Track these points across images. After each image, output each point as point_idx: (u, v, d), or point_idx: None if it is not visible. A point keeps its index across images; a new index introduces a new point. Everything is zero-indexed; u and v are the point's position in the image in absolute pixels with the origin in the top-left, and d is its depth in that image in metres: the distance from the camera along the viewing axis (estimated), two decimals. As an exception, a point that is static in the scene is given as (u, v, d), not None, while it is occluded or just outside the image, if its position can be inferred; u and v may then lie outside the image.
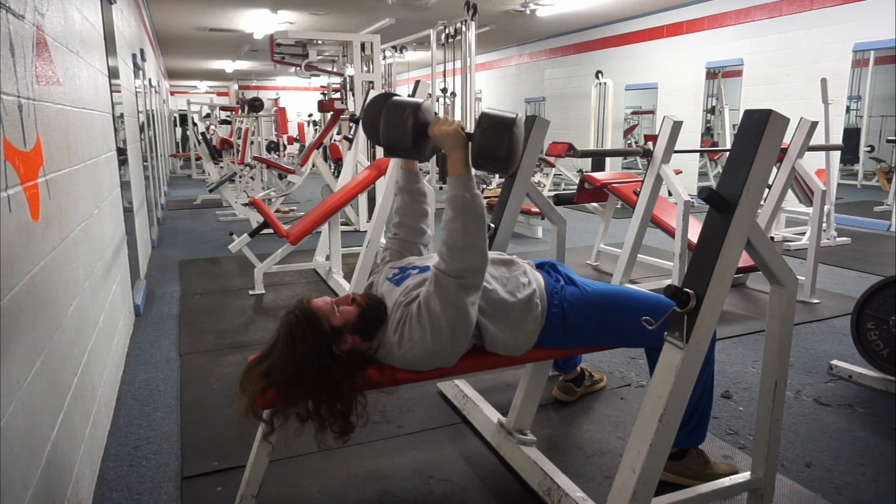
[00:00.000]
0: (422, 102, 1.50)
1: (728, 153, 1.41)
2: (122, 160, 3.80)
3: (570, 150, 3.89)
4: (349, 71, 7.00)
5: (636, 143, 11.23)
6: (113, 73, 3.61)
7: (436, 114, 1.59)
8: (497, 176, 8.24)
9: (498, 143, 1.45)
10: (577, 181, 6.19)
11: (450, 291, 1.50)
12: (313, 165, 7.23)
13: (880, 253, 5.31)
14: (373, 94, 1.82)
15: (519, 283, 1.71)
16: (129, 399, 2.59)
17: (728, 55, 8.19)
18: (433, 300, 1.51)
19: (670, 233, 3.87)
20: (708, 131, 10.17)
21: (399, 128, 1.46)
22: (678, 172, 3.52)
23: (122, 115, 3.96)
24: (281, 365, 1.50)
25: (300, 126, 16.59)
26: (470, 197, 1.48)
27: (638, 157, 4.73)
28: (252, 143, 10.35)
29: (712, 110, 9.83)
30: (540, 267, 1.89)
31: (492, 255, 1.81)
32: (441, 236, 1.51)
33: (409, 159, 1.54)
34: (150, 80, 7.99)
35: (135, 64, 5.52)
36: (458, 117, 7.96)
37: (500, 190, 2.78)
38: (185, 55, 14.22)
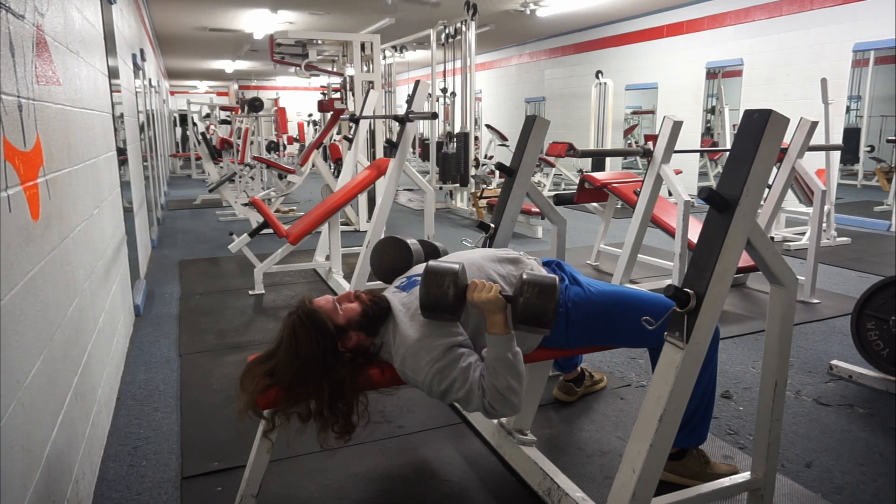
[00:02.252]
0: (458, 270, 1.53)
1: (728, 153, 1.41)
2: (122, 160, 3.80)
3: (570, 150, 3.89)
4: (349, 71, 7.00)
5: (636, 143, 11.23)
6: (113, 73, 3.61)
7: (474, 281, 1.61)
8: (497, 176, 8.25)
9: (543, 309, 1.48)
10: (577, 181, 6.19)
11: (472, 401, 1.51)
12: (313, 165, 7.23)
13: (880, 253, 5.31)
14: (379, 241, 2.06)
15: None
16: (129, 399, 2.59)
17: (728, 55, 8.19)
18: (459, 388, 1.50)
19: (670, 233, 3.87)
20: (708, 131, 10.17)
21: (440, 297, 1.50)
22: (678, 172, 3.52)
23: (121, 115, 3.96)
24: (285, 365, 1.51)
25: (300, 126, 16.59)
26: (512, 357, 1.49)
27: (638, 157, 4.73)
28: (252, 143, 10.35)
29: (712, 110, 9.82)
30: (545, 265, 1.89)
31: (499, 252, 1.83)
32: (486, 378, 1.49)
33: (447, 322, 1.57)
34: (150, 80, 7.98)
35: (135, 64, 5.52)
36: (458, 117, 7.96)
37: (500, 190, 2.78)
38: (185, 55, 14.22)
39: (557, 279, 1.52)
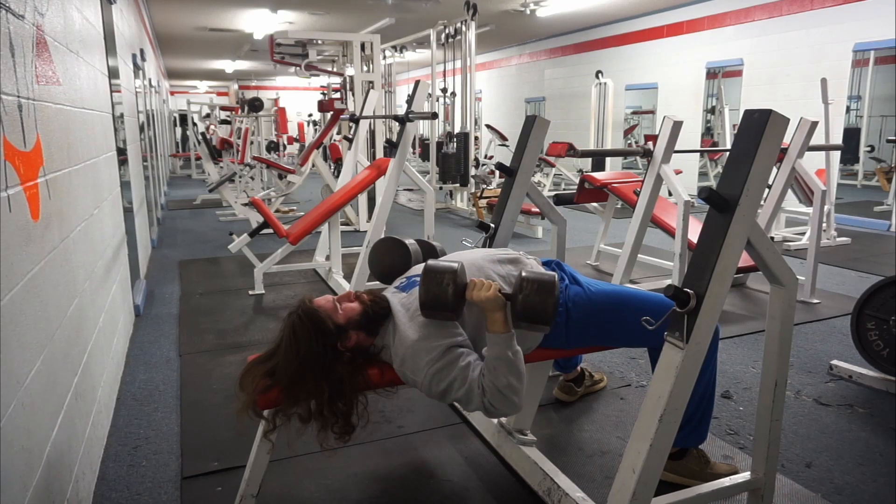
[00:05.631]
0: (457, 268, 1.53)
1: (728, 153, 1.41)
2: (122, 160, 3.80)
3: (570, 150, 3.89)
4: (349, 71, 7.00)
5: (636, 143, 11.23)
6: (113, 73, 3.61)
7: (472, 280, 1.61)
8: (497, 175, 8.25)
9: (542, 306, 1.48)
10: (577, 181, 6.19)
11: (472, 401, 1.51)
12: (313, 165, 7.23)
13: (880, 253, 5.31)
14: (377, 242, 2.05)
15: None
16: (129, 399, 2.59)
17: (728, 55, 8.19)
18: (459, 388, 1.50)
19: (670, 233, 3.87)
20: (708, 131, 10.17)
21: (440, 295, 1.50)
22: (678, 172, 3.52)
23: (121, 115, 3.96)
24: (285, 364, 1.51)
25: (300, 126, 16.58)
26: (513, 355, 1.49)
27: (638, 157, 4.72)
28: (252, 143, 10.35)
29: (712, 110, 9.82)
30: (545, 266, 1.89)
31: (498, 252, 1.83)
32: (486, 375, 1.49)
33: (447, 321, 1.57)
34: (149, 80, 7.98)
35: (135, 64, 5.52)
36: (458, 117, 7.96)
37: (500, 190, 2.78)
38: (185, 55, 14.22)
39: (556, 276, 1.52)
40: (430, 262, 1.58)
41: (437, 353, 1.51)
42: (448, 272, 1.52)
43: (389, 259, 1.96)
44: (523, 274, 1.53)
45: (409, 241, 1.99)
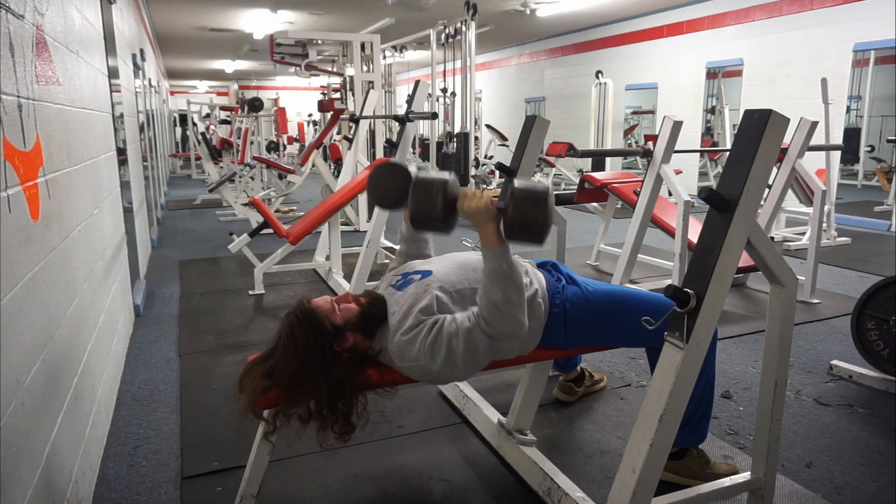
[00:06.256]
0: (449, 179, 1.50)
1: (728, 153, 1.41)
2: (122, 160, 3.80)
3: (570, 150, 3.88)
4: (349, 71, 7.00)
5: (636, 143, 11.23)
6: (113, 73, 3.61)
7: (463, 189, 1.59)
8: (497, 176, 8.25)
9: (533, 216, 1.45)
10: (577, 181, 6.19)
11: (479, 345, 1.50)
12: (313, 165, 7.23)
13: (880, 253, 5.31)
14: (379, 165, 1.87)
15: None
16: (129, 399, 2.59)
17: (728, 55, 8.19)
18: (457, 340, 1.50)
19: (670, 233, 3.87)
20: (708, 131, 10.17)
21: (430, 206, 1.47)
22: (678, 172, 3.52)
23: (121, 115, 3.96)
24: (283, 365, 1.51)
25: (300, 126, 16.58)
26: (508, 268, 1.48)
27: (638, 157, 4.73)
28: (252, 143, 10.35)
29: (712, 110, 9.83)
30: (541, 266, 1.89)
31: None
32: (481, 301, 1.49)
33: (437, 233, 1.55)
34: (149, 80, 7.98)
35: (135, 64, 5.52)
36: (457, 117, 7.96)
37: (500, 190, 2.78)
38: (185, 55, 14.22)
39: (549, 187, 1.48)
40: (420, 174, 1.53)
41: (425, 330, 1.52)
42: (438, 181, 1.48)
43: (388, 185, 1.77)
44: (515, 184, 1.49)
45: (412, 168, 1.92)
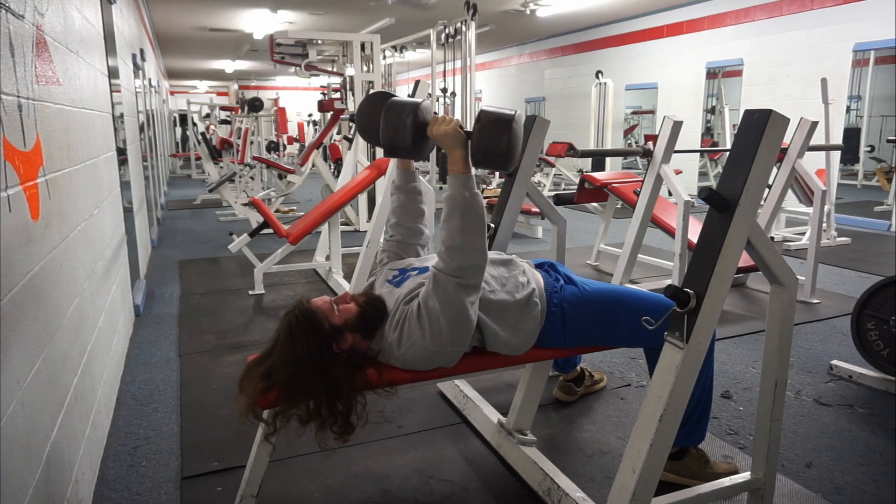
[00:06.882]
0: (420, 102, 1.50)
1: (728, 153, 1.41)
2: (122, 160, 3.80)
3: (570, 150, 3.88)
4: (349, 71, 6.99)
5: (636, 143, 11.24)
6: (113, 73, 3.61)
7: (435, 113, 1.60)
8: (497, 176, 8.25)
9: (497, 140, 1.45)
10: (577, 181, 6.19)
11: (449, 291, 1.50)
12: (313, 165, 7.23)
13: (880, 253, 5.31)
14: (370, 93, 1.83)
15: (518, 282, 1.71)
16: (129, 399, 2.59)
17: (728, 55, 8.19)
18: (432, 300, 1.51)
19: (670, 233, 3.87)
20: (708, 131, 10.18)
21: (399, 127, 1.46)
22: (678, 172, 3.52)
23: (121, 115, 3.96)
24: (282, 365, 1.50)
25: (300, 126, 16.58)
26: (469, 196, 1.48)
27: (638, 157, 4.73)
28: (252, 143, 10.35)
29: (712, 110, 9.83)
30: (539, 267, 1.89)
31: (491, 255, 1.81)
32: (440, 236, 1.51)
33: (409, 159, 1.55)
34: (149, 80, 7.98)
35: (135, 64, 5.52)
36: (458, 117, 7.96)
37: (500, 190, 2.78)
38: (185, 55, 14.22)
39: (517, 113, 1.48)
40: (393, 98, 1.53)
41: (413, 311, 1.54)
42: (409, 105, 1.47)
43: (374, 115, 1.70)
44: (482, 108, 1.50)
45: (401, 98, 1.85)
